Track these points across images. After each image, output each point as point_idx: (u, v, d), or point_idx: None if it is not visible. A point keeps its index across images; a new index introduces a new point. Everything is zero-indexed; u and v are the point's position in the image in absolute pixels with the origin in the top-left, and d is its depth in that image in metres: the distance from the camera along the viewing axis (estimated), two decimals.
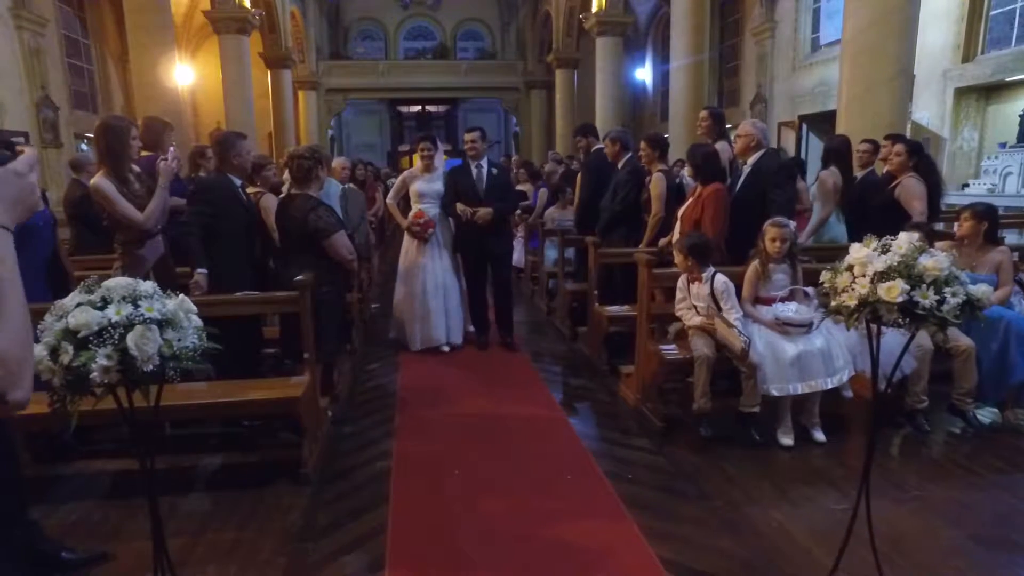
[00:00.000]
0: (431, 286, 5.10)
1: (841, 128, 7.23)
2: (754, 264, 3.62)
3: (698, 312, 3.57)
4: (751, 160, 4.08)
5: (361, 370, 4.85)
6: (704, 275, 3.53)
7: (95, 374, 1.39)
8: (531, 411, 3.97)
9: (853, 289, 1.90)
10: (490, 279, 5.36)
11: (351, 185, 6.24)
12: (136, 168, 3.60)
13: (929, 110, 11.31)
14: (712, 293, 3.49)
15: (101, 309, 1.45)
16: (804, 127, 14.96)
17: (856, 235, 4.28)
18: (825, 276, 2.05)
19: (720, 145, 4.65)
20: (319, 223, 3.56)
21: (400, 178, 5.40)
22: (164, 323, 1.51)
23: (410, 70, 24.31)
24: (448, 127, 28.47)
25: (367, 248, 6.22)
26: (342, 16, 25.18)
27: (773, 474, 3.16)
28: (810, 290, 3.47)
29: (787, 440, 3.42)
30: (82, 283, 1.54)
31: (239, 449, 3.49)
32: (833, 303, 1.99)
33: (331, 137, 23.73)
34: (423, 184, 5.15)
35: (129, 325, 1.44)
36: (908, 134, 6.26)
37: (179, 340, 1.52)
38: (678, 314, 3.70)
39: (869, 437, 2.16)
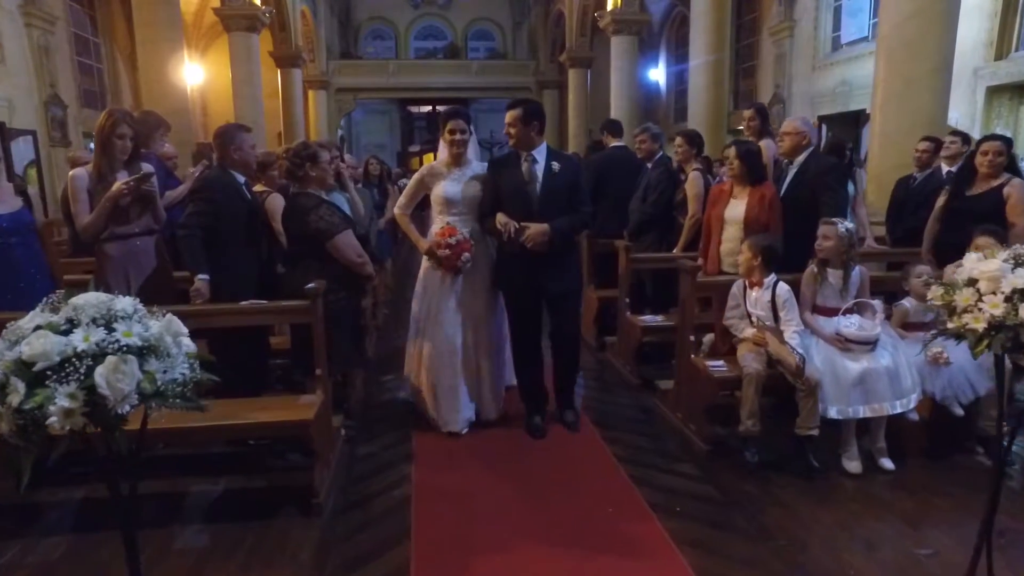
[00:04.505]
0: (462, 342, 3.53)
1: (876, 128, 6.91)
2: (811, 267, 3.30)
3: (752, 322, 3.24)
4: (798, 160, 3.74)
5: (375, 382, 4.54)
6: (766, 281, 3.21)
7: (53, 419, 1.09)
8: (561, 431, 3.63)
9: (980, 309, 1.57)
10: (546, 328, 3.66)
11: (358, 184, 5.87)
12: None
13: (959, 109, 10.88)
14: (772, 301, 3.17)
15: (66, 333, 1.15)
16: (824, 128, 14.59)
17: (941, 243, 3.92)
18: (935, 293, 1.72)
19: (765, 143, 4.33)
20: (320, 223, 3.20)
21: (416, 177, 3.72)
22: (146, 350, 1.20)
23: (421, 70, 24.11)
24: None
25: (381, 250, 5.73)
26: (352, 15, 25.00)
27: (836, 506, 2.82)
28: (877, 303, 3.14)
29: (854, 467, 3.08)
30: (45, 300, 1.24)
31: (242, 472, 3.17)
32: (951, 324, 1.66)
33: (340, 137, 23.52)
34: (451, 185, 3.50)
35: (100, 355, 1.14)
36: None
37: (164, 372, 1.21)
38: (727, 324, 3.37)
39: (993, 490, 1.81)
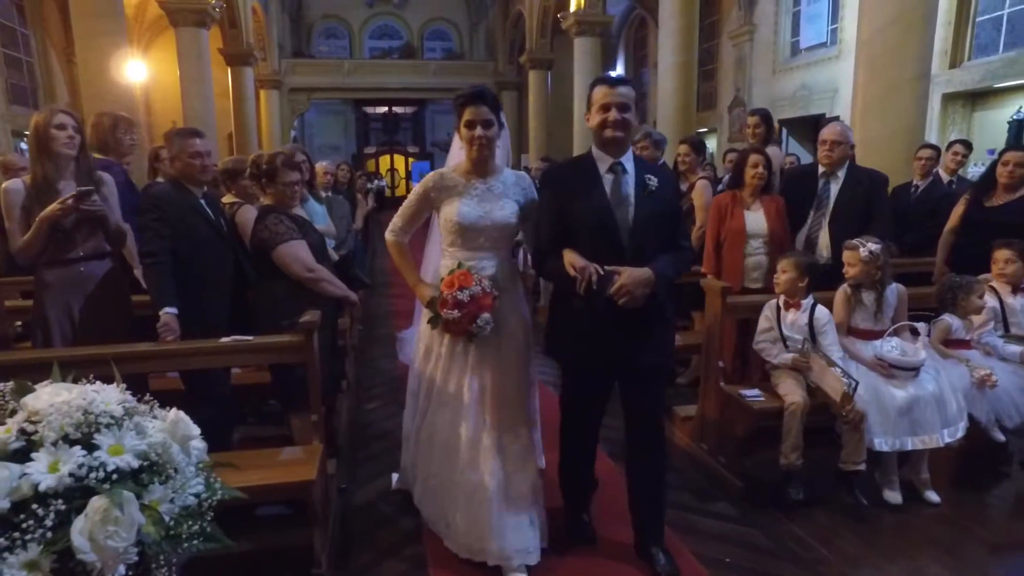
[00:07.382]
0: (477, 437, 2.38)
1: (858, 135, 6.87)
2: (844, 289, 3.07)
3: (787, 346, 2.99)
4: (840, 172, 3.51)
5: (359, 411, 4.11)
6: (803, 303, 2.97)
7: None
8: None
9: None
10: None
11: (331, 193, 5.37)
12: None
13: None
14: (810, 324, 2.92)
15: (21, 458, 0.74)
16: (784, 132, 14.77)
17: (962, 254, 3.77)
18: None
19: (772, 151, 4.11)
20: (263, 232, 2.80)
21: (419, 190, 2.48)
22: (145, 471, 0.81)
23: (376, 70, 23.60)
24: (415, 129, 27.64)
25: (365, 267, 5.14)
26: (305, 13, 24.18)
27: (898, 553, 2.57)
28: (921, 326, 2.93)
29: (893, 498, 2.88)
30: None
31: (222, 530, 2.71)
32: None
33: (294, 138, 22.68)
34: (470, 205, 2.36)
35: (79, 491, 0.74)
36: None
37: (172, 499, 0.82)
38: (757, 349, 3.11)
39: None
